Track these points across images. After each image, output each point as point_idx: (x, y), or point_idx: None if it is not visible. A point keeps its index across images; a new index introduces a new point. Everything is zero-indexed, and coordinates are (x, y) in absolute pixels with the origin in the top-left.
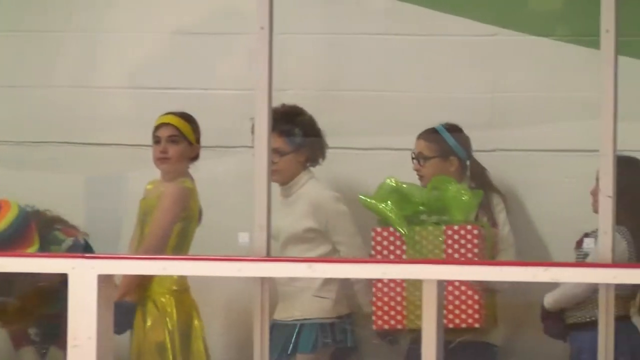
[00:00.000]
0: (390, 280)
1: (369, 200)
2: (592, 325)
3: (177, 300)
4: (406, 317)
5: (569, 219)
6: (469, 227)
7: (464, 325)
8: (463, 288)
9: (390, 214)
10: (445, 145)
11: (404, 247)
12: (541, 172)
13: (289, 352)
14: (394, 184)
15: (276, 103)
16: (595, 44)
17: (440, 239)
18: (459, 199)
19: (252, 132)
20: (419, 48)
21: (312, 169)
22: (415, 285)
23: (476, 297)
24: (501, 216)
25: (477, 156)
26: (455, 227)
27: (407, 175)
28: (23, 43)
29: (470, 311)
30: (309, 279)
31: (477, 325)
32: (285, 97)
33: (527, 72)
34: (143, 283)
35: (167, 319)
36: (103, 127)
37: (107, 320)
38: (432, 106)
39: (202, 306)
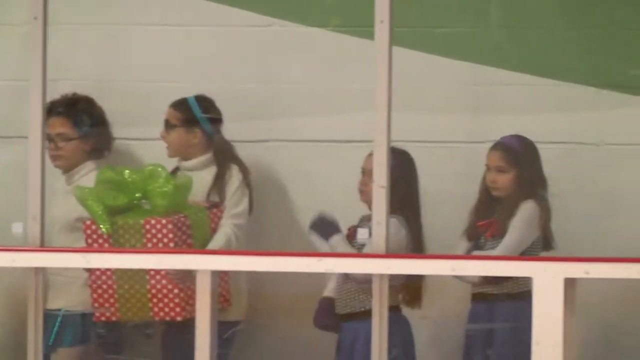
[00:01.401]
0: (102, 273)
1: (79, 192)
2: (365, 315)
3: None
4: (119, 310)
5: (345, 209)
6: (163, 221)
7: (167, 318)
8: (164, 282)
9: (94, 209)
10: (192, 117)
11: (110, 241)
12: (318, 163)
13: (50, 342)
14: (111, 173)
15: (52, 93)
16: (369, 34)
17: (140, 233)
18: (159, 191)
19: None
20: (196, 39)
21: (97, 161)
22: (124, 278)
23: (176, 290)
24: (230, 190)
25: (252, 147)
26: (152, 222)
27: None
28: None
29: (171, 304)
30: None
31: (179, 318)
32: (62, 88)
33: (303, 62)
34: None
35: None
36: None
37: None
38: (209, 96)
39: None
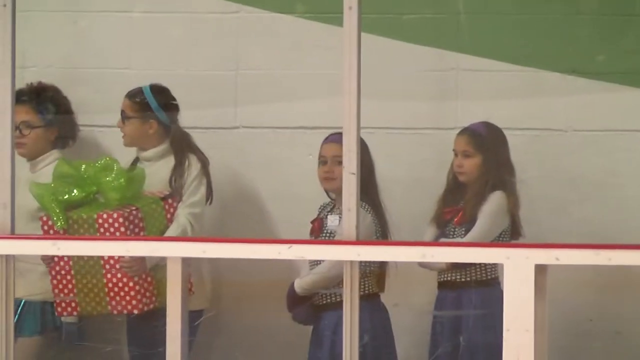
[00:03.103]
0: (61, 268)
1: (35, 188)
2: (340, 304)
3: None
4: (79, 304)
5: (310, 196)
6: (114, 215)
7: (125, 311)
8: (119, 276)
9: (49, 205)
10: (148, 107)
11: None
12: (284, 149)
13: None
14: (67, 167)
15: (19, 81)
16: (336, 20)
17: (94, 227)
18: (111, 184)
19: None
20: (162, 25)
21: (62, 150)
22: (81, 272)
23: (131, 284)
24: (188, 180)
25: (222, 133)
26: (104, 216)
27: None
28: None
29: (128, 298)
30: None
31: (135, 311)
32: (28, 75)
33: (270, 49)
34: None
35: None
36: None
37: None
38: (173, 83)
39: None
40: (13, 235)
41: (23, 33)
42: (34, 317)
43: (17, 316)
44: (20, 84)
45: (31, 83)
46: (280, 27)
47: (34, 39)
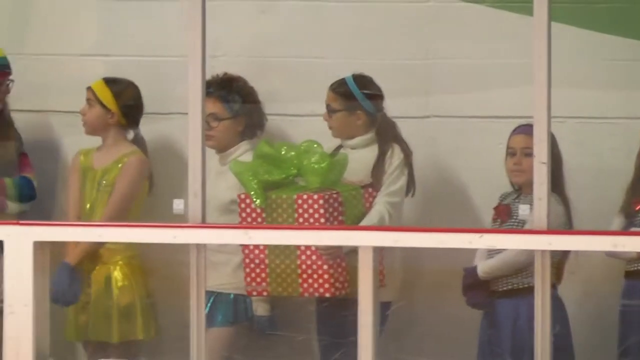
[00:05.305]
0: (255, 247)
1: (235, 165)
2: (526, 292)
3: (135, 266)
4: (269, 284)
5: (502, 185)
6: (315, 196)
7: (316, 294)
8: (314, 258)
9: (249, 182)
10: (353, 99)
11: (263, 215)
12: (474, 138)
13: None
14: (268, 148)
15: (210, 70)
16: (526, 10)
17: (292, 207)
18: (313, 167)
19: None
20: (353, 14)
21: (251, 141)
22: (275, 253)
23: (325, 267)
24: (390, 169)
25: (411, 122)
26: (304, 197)
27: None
28: None
29: (320, 280)
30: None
31: (327, 294)
32: (217, 64)
33: (460, 38)
34: (96, 250)
35: (134, 283)
36: (35, 93)
37: (43, 288)
38: (365, 72)
39: None
40: (204, 224)
41: (213, 22)
42: (226, 308)
43: (208, 307)
44: (209, 74)
45: (217, 74)
46: (470, 17)
47: (225, 27)
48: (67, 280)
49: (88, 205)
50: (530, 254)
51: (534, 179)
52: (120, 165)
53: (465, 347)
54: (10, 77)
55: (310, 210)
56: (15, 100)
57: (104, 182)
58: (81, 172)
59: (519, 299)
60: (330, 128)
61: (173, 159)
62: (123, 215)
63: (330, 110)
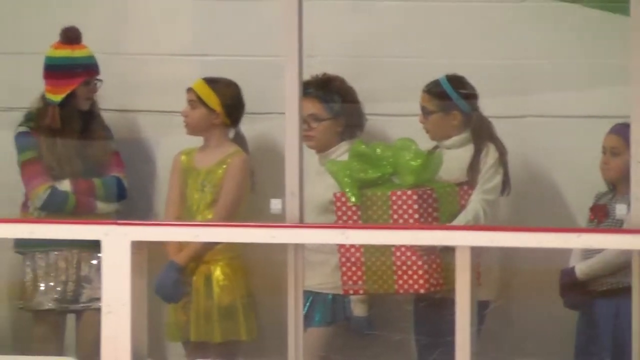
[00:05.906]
0: (351, 245)
1: (331, 164)
2: (626, 291)
3: (237, 266)
4: (365, 282)
5: (595, 186)
6: (408, 192)
7: (411, 291)
8: (409, 254)
9: (344, 180)
10: (448, 99)
11: (359, 213)
12: (569, 138)
13: None
14: (362, 148)
15: (307, 70)
16: (622, 9)
17: (387, 204)
18: (408, 164)
19: None
20: (445, 14)
21: (350, 141)
22: (371, 250)
23: (420, 262)
24: (485, 167)
25: (507, 122)
26: (398, 193)
27: None
28: (54, 7)
29: (415, 277)
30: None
31: (422, 291)
32: (313, 64)
33: (553, 38)
34: (205, 252)
35: (235, 283)
36: (134, 93)
37: (141, 287)
38: (458, 72)
39: None
40: (302, 224)
41: (309, 21)
42: (324, 308)
43: (307, 307)
44: (306, 73)
45: (317, 75)
46: (565, 16)
47: (320, 26)
48: (173, 279)
49: (193, 206)
50: (630, 254)
51: (631, 179)
52: (224, 166)
53: (563, 348)
54: (99, 77)
55: (405, 207)
56: (109, 100)
57: (208, 183)
58: (183, 173)
59: (618, 299)
60: (427, 131)
61: (272, 158)
62: (233, 216)
63: (426, 112)
